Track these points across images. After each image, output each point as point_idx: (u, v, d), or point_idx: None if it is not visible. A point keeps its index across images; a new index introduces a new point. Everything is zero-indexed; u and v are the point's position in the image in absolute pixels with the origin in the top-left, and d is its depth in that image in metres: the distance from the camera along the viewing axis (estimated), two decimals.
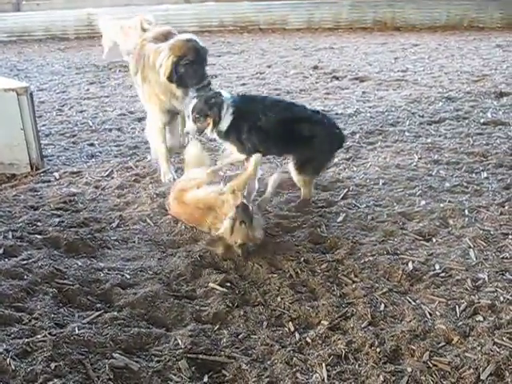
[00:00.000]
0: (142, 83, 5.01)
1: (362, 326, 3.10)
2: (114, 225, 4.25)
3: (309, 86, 8.04)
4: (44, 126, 6.47)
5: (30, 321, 3.13)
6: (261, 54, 10.32)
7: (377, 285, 3.46)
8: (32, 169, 5.21)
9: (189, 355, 2.89)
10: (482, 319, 3.13)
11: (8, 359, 2.79)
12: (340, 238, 3.97)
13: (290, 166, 4.41)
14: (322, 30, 12.57)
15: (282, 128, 4.29)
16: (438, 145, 5.66)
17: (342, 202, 4.54)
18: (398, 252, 3.79)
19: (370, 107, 6.94)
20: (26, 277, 3.53)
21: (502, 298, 3.28)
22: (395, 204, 4.47)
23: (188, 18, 12.95)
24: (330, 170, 5.10)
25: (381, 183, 4.85)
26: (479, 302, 3.24)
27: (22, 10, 12.85)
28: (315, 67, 9.08)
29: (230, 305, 3.28)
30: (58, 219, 4.29)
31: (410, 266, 3.61)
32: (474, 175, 4.97)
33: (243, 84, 8.14)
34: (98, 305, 3.31)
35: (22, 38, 12.59)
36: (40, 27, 12.77)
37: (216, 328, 3.11)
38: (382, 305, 3.27)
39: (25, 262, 3.70)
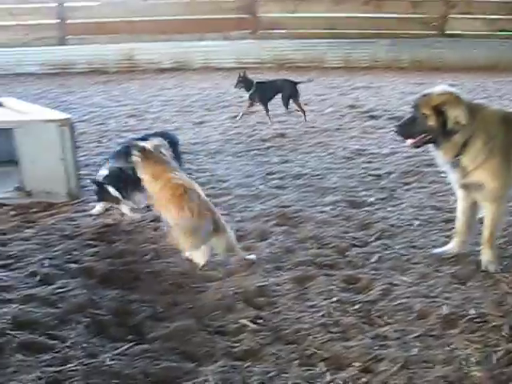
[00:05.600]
0: None
1: (395, 369, 3.04)
2: (148, 257, 4.29)
3: (345, 124, 8.06)
4: (83, 156, 6.58)
5: (62, 349, 3.16)
6: None
7: (410, 328, 3.40)
8: (70, 198, 5.30)
9: None
10: None
11: None
12: (374, 279, 3.94)
13: None
14: (358, 69, 12.63)
15: None
16: None
17: (377, 242, 4.50)
18: (433, 295, 3.73)
19: (406, 147, 6.89)
20: (60, 305, 3.59)
21: None
22: (430, 246, 4.42)
23: (226, 55, 13.14)
24: (364, 209, 5.09)
25: (416, 224, 4.80)
26: None
27: (66, 44, 13.22)
28: (352, 106, 9.09)
29: (262, 342, 3.26)
30: (93, 249, 4.36)
31: (445, 309, 3.55)
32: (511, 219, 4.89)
33: (279, 121, 8.20)
34: (130, 336, 3.32)
35: (65, 70, 12.91)
36: (82, 61, 13.11)
37: (246, 365, 3.08)
38: (416, 349, 3.21)
39: (60, 290, 3.76)
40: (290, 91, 8.16)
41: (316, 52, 13.11)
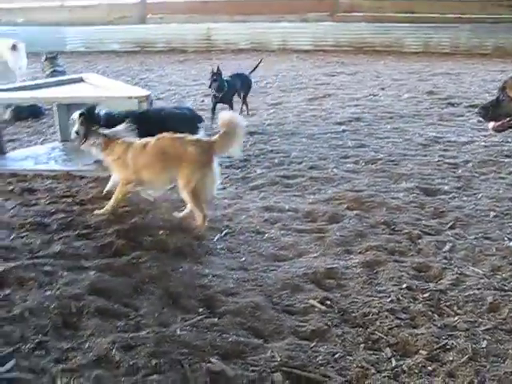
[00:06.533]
0: None
1: (462, 360, 2.99)
2: (221, 234, 4.37)
3: (422, 110, 7.91)
4: None
5: (135, 317, 3.30)
6: (375, 75, 10.26)
7: (480, 320, 3.33)
8: None
9: (284, 368, 2.91)
10: None
11: (114, 350, 2.96)
12: (445, 268, 3.87)
13: None
14: (438, 55, 12.32)
15: None
16: None
17: (450, 231, 4.42)
18: (506, 288, 3.63)
19: (484, 136, 6.71)
20: (134, 275, 3.73)
21: None
22: (506, 238, 4.30)
23: (304, 37, 13.11)
24: (439, 197, 5.00)
25: (491, 215, 4.68)
26: None
27: (146, 22, 13.50)
28: (430, 92, 8.91)
29: (329, 323, 3.28)
30: (168, 224, 4.48)
31: None
32: None
33: (356, 105, 8.14)
34: (200, 309, 3.41)
35: (144, 48, 13.24)
36: (161, 39, 13.36)
37: (313, 345, 3.11)
38: (485, 341, 3.13)
39: (134, 261, 3.91)
40: (245, 85, 7.65)
41: (395, 36, 12.88)
